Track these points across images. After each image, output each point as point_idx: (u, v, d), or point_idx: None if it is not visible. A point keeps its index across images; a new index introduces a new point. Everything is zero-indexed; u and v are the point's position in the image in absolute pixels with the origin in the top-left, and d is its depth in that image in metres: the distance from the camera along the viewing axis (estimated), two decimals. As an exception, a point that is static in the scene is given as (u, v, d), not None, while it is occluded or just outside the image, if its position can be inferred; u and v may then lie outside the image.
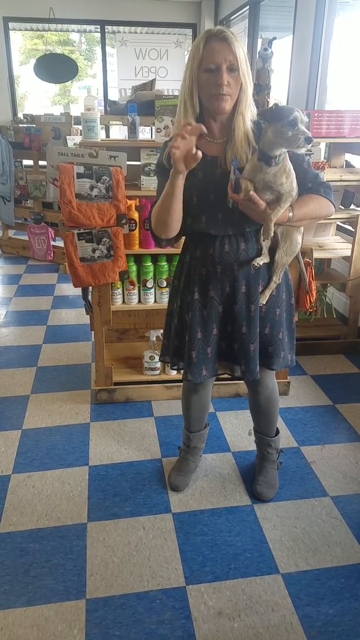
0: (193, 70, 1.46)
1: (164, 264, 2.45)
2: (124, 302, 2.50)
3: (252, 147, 1.51)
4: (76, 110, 4.70)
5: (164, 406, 2.57)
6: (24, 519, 1.86)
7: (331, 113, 2.73)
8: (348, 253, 2.90)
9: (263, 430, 2.01)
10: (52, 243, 4.75)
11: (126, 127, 2.50)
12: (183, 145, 1.36)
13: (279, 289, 1.70)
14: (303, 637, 1.47)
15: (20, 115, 6.29)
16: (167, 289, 2.45)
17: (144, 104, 3.04)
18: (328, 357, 3.07)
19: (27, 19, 6.51)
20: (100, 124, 2.63)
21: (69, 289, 4.16)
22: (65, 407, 2.56)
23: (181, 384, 2.18)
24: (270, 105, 2.54)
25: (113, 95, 6.89)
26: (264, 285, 1.66)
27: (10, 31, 6.54)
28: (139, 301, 2.51)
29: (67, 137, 4.31)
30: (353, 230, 2.88)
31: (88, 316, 2.52)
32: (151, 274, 2.45)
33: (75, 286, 2.35)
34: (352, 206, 3.02)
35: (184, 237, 1.71)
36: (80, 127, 2.94)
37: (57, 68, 6.25)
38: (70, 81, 7.01)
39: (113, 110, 4.66)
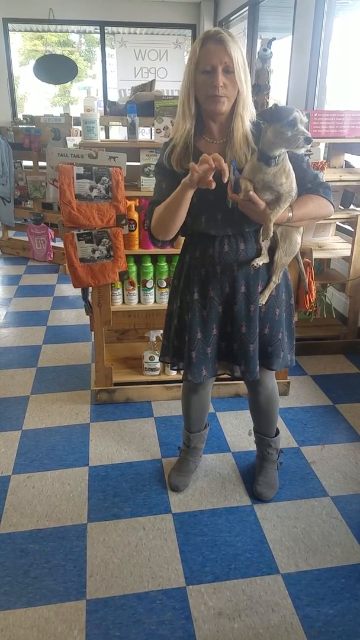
0: (191, 72, 1.47)
1: (164, 265, 2.45)
2: (123, 302, 2.50)
3: (251, 149, 1.51)
4: (76, 111, 4.69)
5: (164, 406, 2.57)
6: (24, 520, 1.86)
7: (330, 113, 2.73)
8: (347, 253, 2.91)
9: (263, 431, 2.01)
10: (52, 244, 4.75)
11: (126, 127, 2.50)
12: (203, 169, 1.37)
13: (278, 289, 1.70)
14: (303, 638, 1.47)
15: (20, 116, 6.29)
16: (167, 290, 2.45)
17: (143, 104, 3.05)
18: (328, 357, 3.07)
19: (27, 20, 6.51)
20: (100, 124, 2.63)
21: (69, 290, 4.16)
22: (65, 408, 2.56)
23: (181, 384, 2.18)
24: (269, 105, 2.54)
25: (113, 96, 6.90)
26: (263, 286, 1.66)
27: (10, 32, 6.55)
28: (139, 301, 2.51)
29: (67, 138, 4.31)
30: (352, 230, 2.89)
31: (88, 317, 2.53)
32: (151, 275, 2.45)
33: (75, 287, 2.35)
34: (352, 206, 3.03)
35: (182, 238, 1.71)
36: (79, 128, 2.95)
37: (56, 69, 6.25)
38: (69, 82, 7.02)
39: (113, 111, 4.67)
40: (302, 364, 2.96)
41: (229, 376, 1.83)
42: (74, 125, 4.40)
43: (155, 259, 2.45)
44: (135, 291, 2.47)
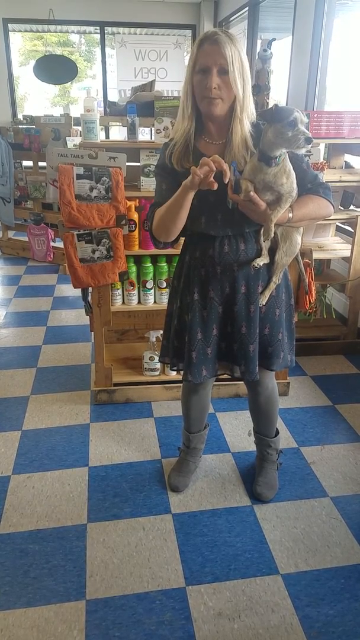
0: (189, 73, 1.48)
1: (164, 265, 2.45)
2: (123, 302, 2.50)
3: (250, 152, 1.51)
4: (76, 112, 4.70)
5: (164, 407, 2.57)
6: (23, 520, 1.86)
7: (330, 114, 2.73)
8: (347, 254, 2.91)
9: (263, 431, 2.01)
10: (52, 244, 4.75)
11: (126, 128, 2.50)
12: (204, 172, 1.37)
13: (278, 290, 1.70)
14: (303, 638, 1.47)
15: (20, 116, 6.30)
16: (167, 290, 2.45)
17: (143, 105, 3.05)
18: (328, 358, 3.07)
19: (27, 20, 6.51)
20: (100, 125, 2.63)
21: (69, 290, 4.16)
22: (65, 408, 2.56)
23: (181, 384, 2.18)
24: (270, 106, 2.55)
25: (112, 97, 6.90)
26: (263, 286, 1.66)
27: (10, 32, 6.55)
28: (139, 302, 2.51)
29: (67, 138, 4.31)
30: (352, 230, 2.89)
31: (88, 317, 2.53)
32: (151, 275, 2.45)
33: (75, 287, 2.35)
34: (352, 207, 3.03)
35: (183, 238, 1.71)
36: (79, 128, 2.95)
37: (56, 69, 6.25)
38: (69, 82, 7.01)
39: (113, 111, 4.67)
40: (302, 364, 2.96)
41: (229, 376, 1.83)
42: (74, 125, 4.40)
43: (155, 259, 2.45)
44: (135, 291, 2.47)
